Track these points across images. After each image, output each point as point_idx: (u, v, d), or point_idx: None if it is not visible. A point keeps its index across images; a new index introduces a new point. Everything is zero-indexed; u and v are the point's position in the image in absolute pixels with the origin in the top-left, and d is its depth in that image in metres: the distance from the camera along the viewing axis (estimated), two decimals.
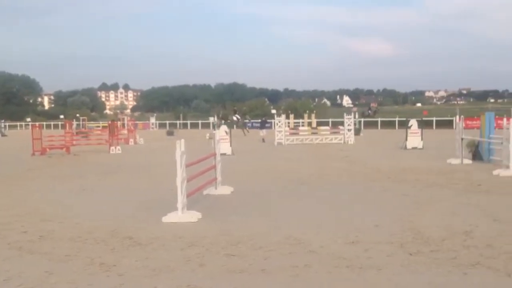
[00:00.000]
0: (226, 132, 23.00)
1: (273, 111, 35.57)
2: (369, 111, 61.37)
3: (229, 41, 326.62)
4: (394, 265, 6.08)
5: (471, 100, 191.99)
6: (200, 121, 68.24)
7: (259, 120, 44.05)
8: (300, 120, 46.75)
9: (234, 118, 39.12)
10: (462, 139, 17.22)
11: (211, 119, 29.72)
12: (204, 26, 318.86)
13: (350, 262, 6.23)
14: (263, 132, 33.91)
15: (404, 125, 26.30)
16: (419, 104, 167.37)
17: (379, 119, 55.44)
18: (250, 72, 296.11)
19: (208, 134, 28.68)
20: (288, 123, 36.55)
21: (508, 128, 14.29)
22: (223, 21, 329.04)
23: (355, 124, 36.03)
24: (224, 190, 11.79)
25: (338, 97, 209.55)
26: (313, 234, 7.64)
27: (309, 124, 40.01)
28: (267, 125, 37.42)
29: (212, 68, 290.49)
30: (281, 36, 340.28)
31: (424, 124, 27.58)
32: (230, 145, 22.66)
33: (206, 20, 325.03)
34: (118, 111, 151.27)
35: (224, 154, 19.24)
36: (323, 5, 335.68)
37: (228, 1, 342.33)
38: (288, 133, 31.04)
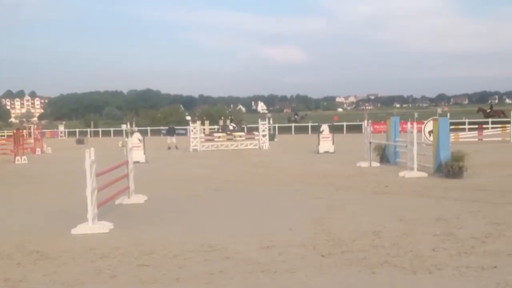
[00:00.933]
0: (139, 139, 22.56)
1: (188, 118, 35.29)
2: (296, 117, 62.84)
3: (141, 47, 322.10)
4: (307, 267, 6.20)
5: (379, 105, 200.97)
6: (112, 129, 66.38)
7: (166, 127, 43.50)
8: (216, 127, 46.76)
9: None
10: (370, 143, 17.92)
11: (124, 126, 28.94)
12: (115, 32, 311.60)
13: (265, 266, 6.27)
14: (171, 140, 33.50)
15: (316, 130, 27.00)
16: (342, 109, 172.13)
17: (292, 125, 56.57)
18: (164, 79, 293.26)
19: (120, 142, 28.01)
20: (203, 129, 36.45)
21: (412, 132, 15.05)
22: (135, 27, 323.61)
23: (269, 129, 36.54)
24: (137, 199, 11.53)
25: (253, 103, 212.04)
26: (228, 241, 7.63)
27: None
28: (176, 132, 37.15)
29: (125, 74, 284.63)
30: (196, 43, 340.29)
31: (335, 129, 28.47)
32: (144, 153, 22.24)
33: (117, 26, 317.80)
34: (24, 119, 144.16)
35: (138, 162, 18.86)
36: (236, 12, 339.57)
37: (139, 7, 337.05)
38: (203, 140, 30.94)
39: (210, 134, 34.56)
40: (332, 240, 7.51)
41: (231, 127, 40.09)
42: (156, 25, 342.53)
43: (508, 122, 28.02)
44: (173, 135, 34.23)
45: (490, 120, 40.59)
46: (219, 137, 31.86)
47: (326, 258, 6.60)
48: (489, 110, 45.36)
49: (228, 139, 31.55)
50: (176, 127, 42.54)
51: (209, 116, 57.78)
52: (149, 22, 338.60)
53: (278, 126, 53.02)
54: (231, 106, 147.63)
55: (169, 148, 31.83)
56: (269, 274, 5.98)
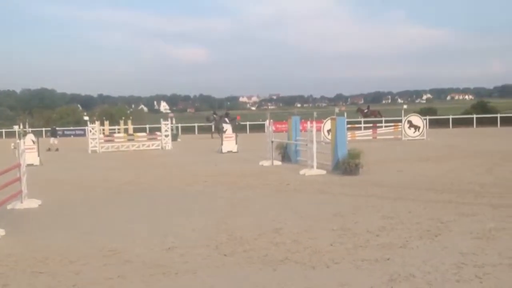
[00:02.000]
0: (33, 141, 21.43)
1: (86, 118, 33.90)
2: (214, 116, 62.50)
3: (34, 43, 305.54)
4: (210, 267, 6.18)
5: (281, 105, 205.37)
6: (4, 130, 62.50)
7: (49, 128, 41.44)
8: (116, 127, 45.53)
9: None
10: (272, 142, 18.25)
11: (16, 127, 27.20)
12: (5, 27, 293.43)
13: (166, 268, 6.18)
14: (53, 141, 32.13)
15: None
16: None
17: (195, 124, 56.31)
18: (60, 77, 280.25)
19: (13, 144, 26.46)
20: (103, 130, 35.35)
21: (311, 131, 15.50)
22: (26, 22, 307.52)
23: (172, 129, 36.14)
24: (31, 203, 10.94)
25: (155, 102, 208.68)
26: (129, 244, 7.44)
27: (126, 130, 39.18)
28: (57, 133, 35.78)
29: (17, 73, 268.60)
30: (94, 40, 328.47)
31: (238, 129, 28.69)
32: (38, 155, 21.17)
33: (6, 21, 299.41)
34: None
35: (31, 164, 17.92)
36: (137, 10, 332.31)
37: (30, 1, 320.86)
38: (103, 141, 30.00)
39: (110, 134, 33.57)
40: (234, 239, 7.55)
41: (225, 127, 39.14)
42: (49, 22, 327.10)
43: (397, 121, 29.69)
44: (55, 136, 32.98)
45: (383, 119, 42.77)
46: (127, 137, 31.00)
47: (229, 257, 6.62)
48: (366, 110, 47.98)
49: (129, 140, 30.82)
50: (58, 128, 41.10)
51: (109, 116, 56.16)
52: (41, 17, 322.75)
53: (181, 126, 52.58)
54: (133, 106, 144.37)
55: (49, 149, 30.23)
56: (171, 276, 5.90)
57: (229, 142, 24.83)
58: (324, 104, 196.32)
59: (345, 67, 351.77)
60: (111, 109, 78.22)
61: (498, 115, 41.31)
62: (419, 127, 28.93)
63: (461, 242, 7.01)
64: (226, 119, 35.86)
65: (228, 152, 24.27)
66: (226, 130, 25.26)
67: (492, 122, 39.85)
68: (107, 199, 11.85)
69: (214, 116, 42.21)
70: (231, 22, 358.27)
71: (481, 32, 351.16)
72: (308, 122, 16.92)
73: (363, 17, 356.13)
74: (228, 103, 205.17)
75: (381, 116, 45.62)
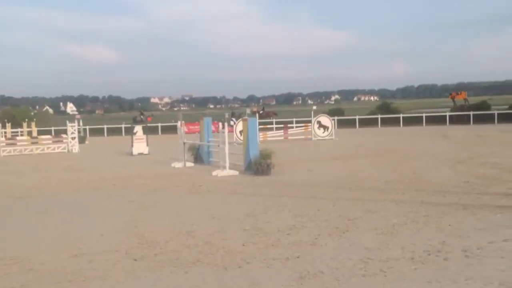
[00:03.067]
0: None
1: None
2: (142, 116, 60.67)
3: None
4: (119, 273, 6.01)
5: (193, 106, 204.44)
6: None
7: None
8: (19, 129, 43.30)
9: (232, 123, 37.28)
10: (184, 143, 18.09)
11: None
12: None
13: (73, 275, 5.93)
14: None
15: (130, 131, 26.44)
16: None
17: (105, 126, 54.69)
18: None
19: None
20: (5, 132, 33.48)
21: (223, 132, 15.52)
22: None
23: (79, 131, 34.87)
24: None
25: (61, 104, 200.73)
26: (33, 251, 7.08)
27: (29, 133, 37.35)
28: None
29: None
30: None
31: (149, 130, 28.19)
32: None
33: None
34: None
35: None
36: (41, 8, 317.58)
37: None
38: (4, 144, 28.41)
39: (12, 137, 31.87)
40: (145, 243, 7.39)
41: (232, 123, 37.84)
42: None
43: (307, 122, 30.46)
44: None
45: (294, 120, 43.63)
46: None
47: (139, 261, 6.47)
48: (261, 112, 49.06)
49: (33, 143, 29.38)
50: None
51: (11, 118, 53.23)
52: None
53: (89, 128, 50.88)
54: (37, 107, 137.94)
55: None
56: (78, 283, 5.68)
57: (140, 144, 24.32)
58: (237, 105, 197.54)
59: (257, 69, 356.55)
60: (13, 111, 74.11)
61: (401, 115, 43.45)
62: (328, 127, 29.83)
63: (367, 238, 7.28)
64: (233, 118, 35.40)
65: (139, 154, 23.77)
66: (137, 131, 24.73)
67: (395, 122, 41.84)
68: (10, 206, 11.22)
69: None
70: (142, 22, 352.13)
71: (385, 36, 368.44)
72: (220, 123, 16.91)
73: (274, 19, 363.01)
74: (139, 104, 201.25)
75: (277, 117, 46.51)
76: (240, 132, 23.10)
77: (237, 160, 15.76)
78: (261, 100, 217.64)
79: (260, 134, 27.70)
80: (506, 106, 47.66)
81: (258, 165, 14.56)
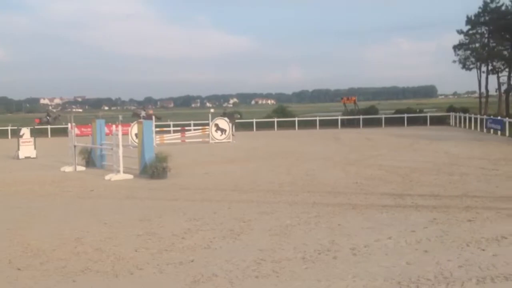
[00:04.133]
0: None
1: None
2: (48, 117, 56.64)
3: None
4: (1, 284, 5.63)
5: (87, 107, 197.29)
6: None
7: None
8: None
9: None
10: (75, 146, 17.33)
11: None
12: None
13: None
14: None
15: (16, 134, 24.91)
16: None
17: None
18: None
19: None
20: None
21: (117, 134, 15.07)
22: None
23: None
24: None
25: None
26: None
27: None
28: None
29: None
30: None
31: (37, 132, 26.76)
32: None
33: None
34: None
35: None
36: None
37: None
38: None
39: None
40: (30, 251, 6.98)
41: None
42: None
43: (205, 124, 30.41)
44: None
45: (192, 122, 43.36)
46: None
47: (23, 271, 6.10)
48: (142, 114, 48.54)
49: None
50: None
51: None
52: None
53: None
54: None
55: None
56: None
57: (27, 147, 22.98)
58: (133, 107, 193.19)
59: (155, 70, 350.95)
60: None
61: (296, 119, 44.65)
62: (225, 130, 29.98)
63: (261, 239, 7.37)
64: (225, 118, 33.49)
65: (26, 158, 22.46)
66: (24, 134, 23.35)
67: (291, 125, 42.91)
68: None
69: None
70: (31, 19, 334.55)
71: (282, 42, 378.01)
72: (114, 126, 16.39)
73: (173, 21, 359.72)
74: (28, 105, 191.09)
75: (158, 119, 45.97)
76: (136, 134, 22.56)
77: (132, 164, 15.38)
78: (158, 102, 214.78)
79: (157, 137, 27.25)
80: (393, 111, 50.45)
81: (154, 169, 14.29)
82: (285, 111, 52.57)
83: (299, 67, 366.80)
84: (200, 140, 29.49)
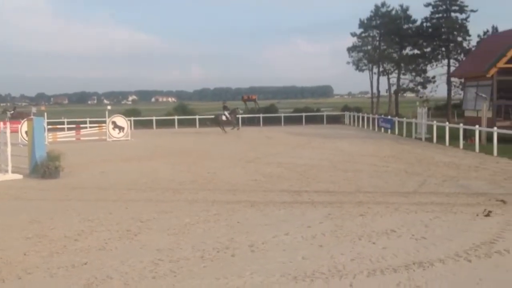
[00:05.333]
0: None
1: None
2: (11, 112, 51.04)
3: None
4: None
5: None
6: None
7: None
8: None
9: (223, 117, 32.33)
10: None
11: None
12: None
13: None
14: None
15: None
16: None
17: None
18: None
19: None
20: None
21: (5, 132, 14.18)
22: None
23: None
24: None
25: None
26: None
27: None
28: None
29: None
30: None
31: None
32: None
33: None
34: None
35: None
36: None
37: None
38: None
39: None
40: None
41: (223, 117, 32.67)
42: None
43: (102, 122, 29.46)
44: None
45: (88, 120, 41.82)
46: None
47: None
48: (12, 112, 46.77)
49: None
50: None
51: None
52: None
53: None
54: None
55: None
56: None
57: None
58: (24, 104, 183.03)
59: (47, 66, 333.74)
60: None
61: (197, 117, 44.44)
62: (123, 128, 29.16)
63: (159, 239, 7.24)
64: (226, 113, 31.15)
65: None
66: None
67: (192, 123, 42.59)
68: None
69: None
70: None
71: (183, 39, 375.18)
72: (1, 123, 15.42)
73: (68, 15, 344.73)
74: None
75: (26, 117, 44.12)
76: (26, 132, 21.37)
77: (22, 163, 14.54)
78: (52, 99, 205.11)
79: (50, 134, 26.00)
80: (291, 109, 51.80)
81: (45, 168, 13.59)
82: (186, 109, 52.22)
83: (201, 65, 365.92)
84: (97, 138, 28.51)
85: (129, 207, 9.63)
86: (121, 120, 29.40)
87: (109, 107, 31.50)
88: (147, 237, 7.39)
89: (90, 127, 32.41)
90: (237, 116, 35.78)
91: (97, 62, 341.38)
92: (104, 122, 29.48)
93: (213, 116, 34.11)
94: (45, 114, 28.25)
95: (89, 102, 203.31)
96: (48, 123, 27.38)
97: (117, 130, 28.91)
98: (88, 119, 39.02)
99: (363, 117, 36.30)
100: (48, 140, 23.87)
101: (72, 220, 8.52)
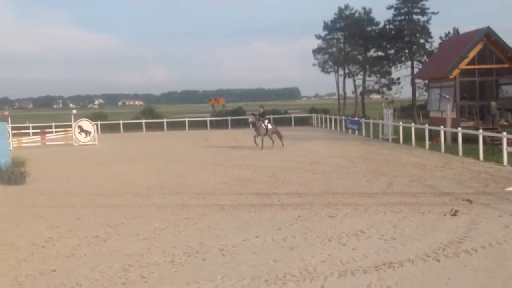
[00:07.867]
0: None
1: None
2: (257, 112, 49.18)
3: None
4: None
5: None
6: None
7: None
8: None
9: (250, 119, 24.75)
10: None
11: None
12: None
13: None
14: None
15: None
16: None
17: None
18: None
19: None
20: None
21: None
22: None
23: None
24: None
25: None
26: None
27: None
28: None
29: None
30: None
31: None
32: None
33: None
34: None
35: None
36: None
37: None
38: None
39: None
40: None
41: (250, 119, 25.18)
42: None
43: (68, 126, 28.96)
44: None
45: (53, 124, 41.12)
46: None
47: None
48: None
49: None
50: None
51: None
52: None
53: None
54: None
55: None
56: None
57: None
58: None
59: (9, 69, 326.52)
60: None
61: (165, 120, 44.13)
62: (90, 132, 28.76)
63: (128, 244, 7.17)
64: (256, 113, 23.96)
65: None
66: None
67: (159, 126, 42.29)
68: None
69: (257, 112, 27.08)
70: None
71: (149, 41, 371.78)
72: None
73: (27, 17, 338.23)
74: None
75: None
76: None
77: None
78: (16, 103, 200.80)
79: (14, 140, 25.46)
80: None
81: (10, 174, 13.31)
82: (153, 112, 51.80)
83: (167, 68, 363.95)
84: (63, 143, 28.05)
85: (97, 212, 9.51)
86: (87, 124, 28.97)
87: (74, 111, 31.08)
88: (116, 242, 7.31)
89: (56, 131, 31.87)
90: (267, 117, 27.37)
91: (61, 65, 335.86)
92: (70, 126, 29.00)
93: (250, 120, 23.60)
94: (9, 119, 27.66)
95: (55, 106, 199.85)
96: (12, 128, 26.85)
97: (83, 134, 28.47)
98: (53, 124, 38.33)
99: (330, 119, 36.62)
100: (13, 145, 23.38)
101: (39, 227, 8.37)
